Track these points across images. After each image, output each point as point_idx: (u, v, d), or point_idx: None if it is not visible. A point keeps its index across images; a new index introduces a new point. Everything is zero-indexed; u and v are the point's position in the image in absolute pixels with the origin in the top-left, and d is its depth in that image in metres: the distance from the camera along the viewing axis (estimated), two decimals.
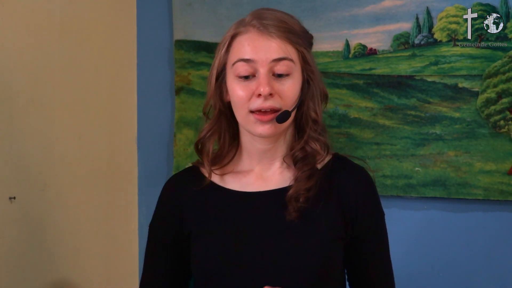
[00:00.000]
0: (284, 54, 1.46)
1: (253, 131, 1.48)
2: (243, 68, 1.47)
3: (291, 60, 1.47)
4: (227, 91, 1.52)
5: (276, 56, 1.46)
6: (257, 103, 1.45)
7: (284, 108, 1.47)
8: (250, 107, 1.46)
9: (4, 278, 1.93)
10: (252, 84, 1.46)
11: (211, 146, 1.56)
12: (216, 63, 1.52)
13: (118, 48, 2.43)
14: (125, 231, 2.46)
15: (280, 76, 1.47)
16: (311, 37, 1.54)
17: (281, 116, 1.46)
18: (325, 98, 1.56)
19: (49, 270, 2.09)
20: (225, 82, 1.52)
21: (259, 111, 1.46)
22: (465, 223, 2.16)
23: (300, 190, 1.48)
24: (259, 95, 1.45)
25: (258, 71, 1.46)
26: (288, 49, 1.47)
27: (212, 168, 1.56)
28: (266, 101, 1.45)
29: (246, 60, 1.46)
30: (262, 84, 1.44)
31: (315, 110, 1.52)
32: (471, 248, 2.15)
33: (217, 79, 1.52)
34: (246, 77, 1.47)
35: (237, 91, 1.47)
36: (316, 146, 1.51)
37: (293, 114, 1.49)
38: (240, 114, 1.49)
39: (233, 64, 1.48)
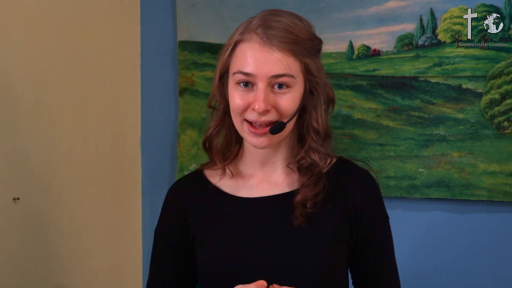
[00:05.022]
0: (284, 70, 1.44)
1: (249, 141, 1.49)
2: (242, 78, 1.46)
3: (291, 76, 1.44)
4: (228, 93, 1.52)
5: (275, 72, 1.43)
6: (252, 116, 1.45)
7: (280, 120, 1.46)
8: (245, 117, 1.46)
9: (8, 279, 1.93)
10: (250, 96, 1.45)
11: (217, 144, 1.56)
12: (220, 65, 1.51)
13: (122, 49, 2.44)
14: (128, 232, 2.46)
15: (280, 87, 1.45)
16: (319, 43, 1.51)
17: (275, 128, 1.45)
18: (331, 102, 1.55)
19: (52, 271, 2.09)
20: (227, 85, 1.51)
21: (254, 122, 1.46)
22: (469, 224, 2.16)
23: (308, 196, 1.48)
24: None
25: (257, 84, 1.44)
26: (289, 63, 1.44)
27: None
28: (261, 116, 1.44)
29: (246, 74, 1.45)
30: (258, 101, 1.43)
31: (317, 119, 1.50)
32: (475, 249, 2.15)
33: (220, 79, 1.52)
34: (245, 85, 1.46)
35: (235, 99, 1.46)
36: (315, 157, 1.50)
37: (291, 123, 1.48)
38: (236, 121, 1.49)
39: (234, 73, 1.47)
